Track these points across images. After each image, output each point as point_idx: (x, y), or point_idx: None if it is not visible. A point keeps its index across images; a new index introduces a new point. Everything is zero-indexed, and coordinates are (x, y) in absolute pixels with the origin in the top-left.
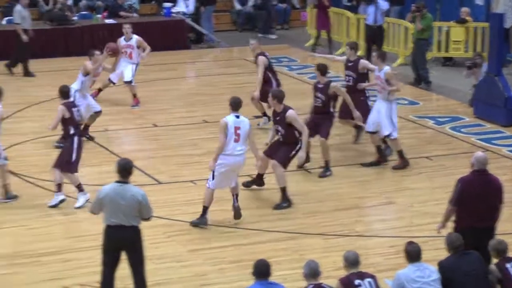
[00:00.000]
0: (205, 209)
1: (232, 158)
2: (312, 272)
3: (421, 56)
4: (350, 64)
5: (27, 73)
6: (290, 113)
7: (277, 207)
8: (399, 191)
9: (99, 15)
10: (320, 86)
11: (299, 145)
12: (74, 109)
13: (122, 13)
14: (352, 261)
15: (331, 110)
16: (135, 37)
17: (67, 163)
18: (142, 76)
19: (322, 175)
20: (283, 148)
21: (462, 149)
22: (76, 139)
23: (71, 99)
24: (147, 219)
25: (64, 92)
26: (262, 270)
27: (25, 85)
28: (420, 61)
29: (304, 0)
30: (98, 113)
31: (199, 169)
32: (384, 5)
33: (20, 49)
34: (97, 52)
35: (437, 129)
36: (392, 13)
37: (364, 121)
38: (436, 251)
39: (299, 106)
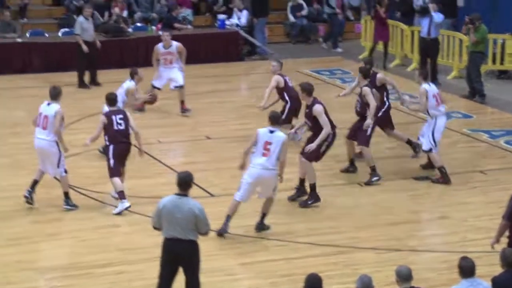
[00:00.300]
0: (227, 217)
1: (256, 171)
2: (365, 287)
3: (475, 69)
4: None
5: (82, 85)
6: (316, 107)
7: (304, 204)
8: (453, 206)
9: (153, 27)
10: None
11: (328, 140)
12: (114, 117)
13: (176, 25)
14: (404, 276)
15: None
16: (175, 43)
17: (108, 169)
18: (195, 88)
19: (368, 182)
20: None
21: None
22: (111, 148)
23: (116, 107)
24: (204, 233)
25: (109, 99)
26: (313, 284)
27: (80, 97)
28: (475, 74)
29: (358, 12)
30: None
31: None
32: (438, 17)
33: (80, 60)
34: (139, 70)
35: (492, 143)
36: (444, 25)
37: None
38: (490, 267)
39: (350, 119)
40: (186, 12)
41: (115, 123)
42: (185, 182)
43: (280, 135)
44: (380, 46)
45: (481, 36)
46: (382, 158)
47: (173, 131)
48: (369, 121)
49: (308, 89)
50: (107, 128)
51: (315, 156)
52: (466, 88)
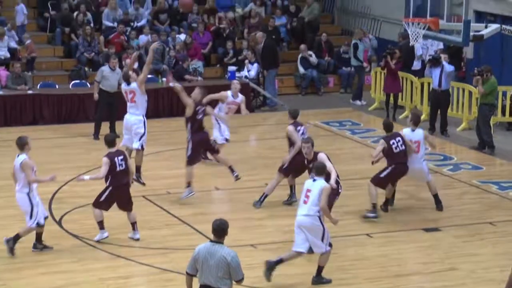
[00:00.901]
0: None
1: (299, 218)
2: None
3: (484, 120)
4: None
5: (96, 136)
6: (320, 156)
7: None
8: (461, 257)
9: (163, 79)
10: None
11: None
12: (116, 159)
13: (186, 77)
14: None
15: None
16: (241, 95)
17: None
18: None
19: (365, 215)
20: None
21: None
22: (110, 189)
23: (115, 148)
24: (238, 281)
25: (107, 141)
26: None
27: (92, 148)
28: (484, 125)
29: (369, 63)
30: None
31: (260, 233)
32: (450, 68)
33: (98, 109)
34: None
35: (501, 195)
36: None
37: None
38: None
39: (360, 170)
40: (197, 64)
41: (117, 164)
42: (221, 230)
43: (320, 183)
44: (391, 98)
45: (490, 88)
46: (391, 209)
47: (182, 181)
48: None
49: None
50: (109, 168)
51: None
52: (476, 139)
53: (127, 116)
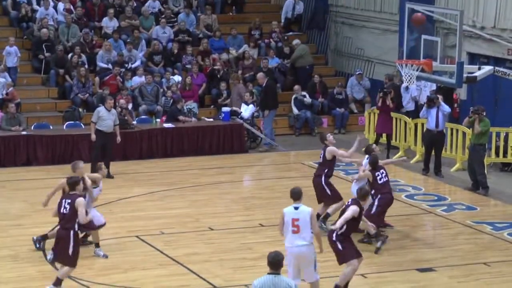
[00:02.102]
0: None
1: (294, 249)
2: None
3: (478, 161)
4: None
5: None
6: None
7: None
8: None
9: (158, 120)
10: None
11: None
12: (63, 200)
13: (180, 117)
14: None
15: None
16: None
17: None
18: (197, 180)
19: (376, 248)
20: None
21: None
22: (72, 232)
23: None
24: None
25: (69, 184)
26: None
27: None
28: (478, 166)
29: (362, 105)
30: (101, 227)
31: (254, 273)
32: (446, 108)
33: (93, 150)
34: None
35: (495, 235)
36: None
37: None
38: None
39: None
40: (192, 104)
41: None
42: (277, 261)
43: (305, 209)
44: (383, 139)
45: (485, 127)
46: (385, 249)
47: (175, 222)
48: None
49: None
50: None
51: None
52: (469, 180)
53: None
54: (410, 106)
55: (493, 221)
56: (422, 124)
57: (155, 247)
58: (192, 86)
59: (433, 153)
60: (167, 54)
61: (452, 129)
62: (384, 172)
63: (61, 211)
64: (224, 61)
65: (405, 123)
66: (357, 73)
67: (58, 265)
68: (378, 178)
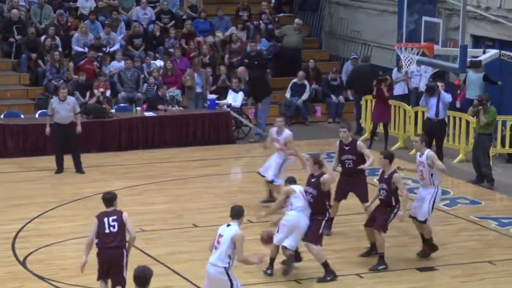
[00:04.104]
0: None
1: (208, 265)
2: None
3: (483, 152)
4: (347, 148)
5: (58, 170)
6: (324, 177)
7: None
8: None
9: (138, 108)
10: (385, 176)
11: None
12: (105, 219)
13: (160, 106)
14: None
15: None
16: (287, 132)
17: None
18: (182, 173)
19: (373, 268)
20: (314, 222)
21: None
22: (98, 251)
23: (111, 208)
24: None
25: (105, 200)
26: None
27: (58, 182)
28: (483, 157)
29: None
30: None
31: (241, 273)
32: (447, 97)
33: (53, 143)
34: None
35: (501, 231)
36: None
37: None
38: None
39: (350, 206)
40: (175, 92)
41: (105, 225)
42: (143, 277)
43: (232, 229)
44: (380, 128)
45: (491, 117)
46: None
47: (157, 218)
48: (401, 214)
49: (319, 162)
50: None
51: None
52: (474, 172)
53: None
54: (399, 90)
55: (499, 216)
56: (423, 112)
57: (135, 245)
58: (175, 71)
59: (434, 143)
60: (148, 37)
61: (454, 118)
62: None
63: (106, 230)
64: (209, 45)
65: (405, 111)
66: (352, 57)
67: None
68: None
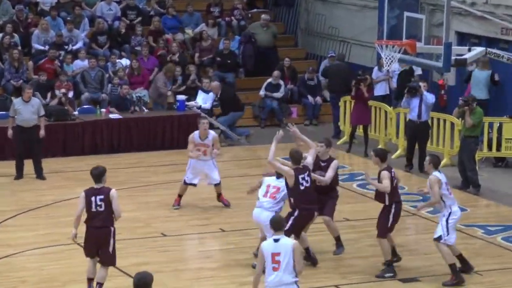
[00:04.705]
0: None
1: None
2: None
3: (469, 156)
4: (323, 164)
5: (17, 175)
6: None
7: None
8: None
9: (103, 110)
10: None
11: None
12: (93, 198)
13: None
14: None
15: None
16: (212, 133)
17: None
18: (149, 179)
19: (380, 275)
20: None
21: None
22: (86, 229)
23: (100, 185)
24: None
25: (94, 175)
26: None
27: (17, 189)
28: (469, 161)
29: None
30: None
31: (213, 285)
32: (430, 98)
33: (15, 147)
34: None
35: (487, 240)
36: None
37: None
38: None
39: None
40: (142, 92)
41: (92, 204)
42: (143, 284)
43: (287, 242)
44: (360, 131)
45: (478, 119)
46: (362, 257)
47: (123, 227)
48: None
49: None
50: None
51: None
52: (459, 177)
53: None
54: (380, 91)
55: (485, 223)
56: (405, 114)
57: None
58: (142, 71)
59: (417, 146)
60: (113, 34)
61: (438, 119)
62: (395, 172)
63: (93, 209)
64: (179, 42)
65: (386, 112)
66: (329, 55)
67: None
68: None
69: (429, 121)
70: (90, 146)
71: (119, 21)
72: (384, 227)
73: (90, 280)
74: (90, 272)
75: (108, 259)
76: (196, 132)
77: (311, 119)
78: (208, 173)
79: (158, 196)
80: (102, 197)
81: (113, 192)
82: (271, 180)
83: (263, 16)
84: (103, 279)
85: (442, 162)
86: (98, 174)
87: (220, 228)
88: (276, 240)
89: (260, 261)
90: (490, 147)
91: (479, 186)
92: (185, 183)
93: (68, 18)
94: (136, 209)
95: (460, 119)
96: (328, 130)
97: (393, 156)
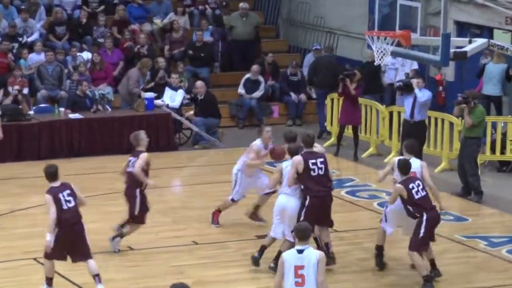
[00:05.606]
0: None
1: None
2: None
3: (470, 159)
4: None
5: None
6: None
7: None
8: None
9: (61, 109)
10: None
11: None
12: (60, 195)
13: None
14: None
15: None
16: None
17: None
18: (113, 186)
19: None
20: None
21: None
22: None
23: (58, 182)
24: None
25: (49, 174)
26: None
27: None
28: (469, 165)
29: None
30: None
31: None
32: (422, 96)
33: None
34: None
35: (491, 253)
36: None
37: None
38: None
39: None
40: (106, 89)
41: (63, 201)
42: None
43: (311, 253)
44: (349, 131)
45: (479, 118)
46: (353, 271)
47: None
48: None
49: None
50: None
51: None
52: (459, 183)
53: None
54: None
55: (489, 235)
56: (399, 113)
57: (58, 272)
58: (105, 65)
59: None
60: (73, 24)
61: (436, 119)
62: (420, 184)
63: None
64: (147, 34)
65: (377, 111)
66: (314, 48)
67: None
68: (414, 191)
69: (426, 121)
70: (47, 150)
71: (80, 10)
72: (417, 239)
73: (50, 280)
74: (50, 272)
75: (87, 252)
76: (259, 141)
77: (294, 119)
78: (259, 183)
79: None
80: (68, 191)
81: (73, 185)
82: (288, 163)
83: (241, 4)
84: (97, 269)
85: (440, 167)
86: (55, 171)
87: (193, 240)
88: (300, 251)
89: (279, 274)
90: (493, 150)
91: (482, 192)
92: (233, 201)
93: (23, 7)
94: (99, 220)
95: (460, 118)
96: (314, 132)
97: (386, 160)
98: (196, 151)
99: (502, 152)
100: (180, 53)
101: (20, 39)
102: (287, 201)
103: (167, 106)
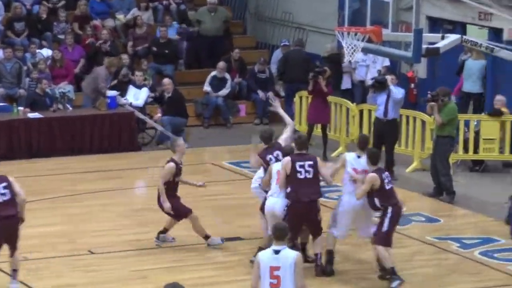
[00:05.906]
0: None
1: None
2: None
3: (442, 158)
4: None
5: None
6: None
7: None
8: None
9: (20, 108)
10: None
11: None
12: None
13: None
14: None
15: None
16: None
17: None
18: (74, 187)
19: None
20: None
21: (496, 281)
22: None
23: None
24: None
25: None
26: None
27: None
28: (442, 165)
29: None
30: None
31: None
32: (397, 93)
33: None
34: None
35: (464, 255)
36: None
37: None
38: None
39: None
40: (66, 87)
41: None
42: None
43: (288, 253)
44: (318, 130)
45: (449, 116)
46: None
47: (44, 243)
48: None
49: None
50: None
51: None
52: (431, 183)
53: None
54: (346, 84)
55: (461, 236)
56: (370, 111)
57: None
58: (66, 62)
59: (383, 148)
60: (33, 20)
61: (408, 117)
62: (389, 176)
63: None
64: (109, 29)
65: (347, 109)
66: (282, 44)
67: None
68: (386, 182)
69: (398, 120)
70: (5, 150)
71: (39, 5)
72: (382, 234)
73: None
74: None
75: (16, 245)
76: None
77: (261, 118)
78: None
79: (84, 207)
80: (5, 184)
81: (10, 178)
82: (278, 166)
83: None
84: (19, 264)
85: (412, 166)
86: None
87: (157, 244)
88: (276, 252)
89: (255, 274)
90: (466, 149)
91: (454, 193)
92: None
93: None
94: (59, 223)
95: (432, 116)
96: (281, 131)
97: (333, 155)
98: (160, 151)
99: (475, 151)
100: (144, 49)
101: None
102: (275, 202)
103: (131, 104)
